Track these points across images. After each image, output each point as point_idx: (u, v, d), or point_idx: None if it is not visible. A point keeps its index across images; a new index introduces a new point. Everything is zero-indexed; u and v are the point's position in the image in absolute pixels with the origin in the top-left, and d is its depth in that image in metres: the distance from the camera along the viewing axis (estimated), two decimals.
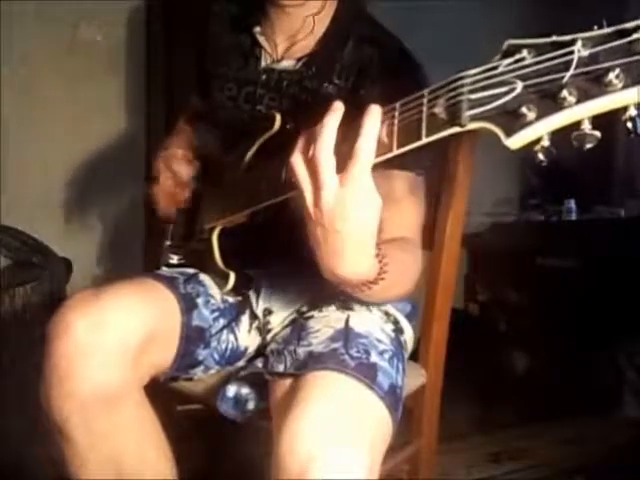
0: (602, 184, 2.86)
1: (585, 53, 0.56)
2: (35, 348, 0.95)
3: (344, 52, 1.08)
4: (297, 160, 0.76)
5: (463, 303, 2.75)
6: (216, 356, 1.10)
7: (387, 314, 1.06)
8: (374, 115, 0.72)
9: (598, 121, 0.58)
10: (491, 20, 2.50)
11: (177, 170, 1.20)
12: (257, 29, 1.15)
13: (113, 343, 0.93)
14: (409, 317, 1.13)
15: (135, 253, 2.16)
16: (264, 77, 1.14)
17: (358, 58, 1.07)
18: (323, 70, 1.09)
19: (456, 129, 0.65)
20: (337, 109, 0.74)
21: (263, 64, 1.15)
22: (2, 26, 1.99)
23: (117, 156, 2.20)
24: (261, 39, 1.15)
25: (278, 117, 1.01)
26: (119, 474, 0.96)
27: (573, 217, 2.76)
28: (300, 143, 0.77)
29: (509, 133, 0.60)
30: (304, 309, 1.09)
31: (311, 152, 0.74)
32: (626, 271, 2.35)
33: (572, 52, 0.57)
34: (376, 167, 0.73)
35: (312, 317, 1.04)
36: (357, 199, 0.72)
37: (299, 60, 1.12)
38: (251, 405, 1.00)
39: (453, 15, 2.50)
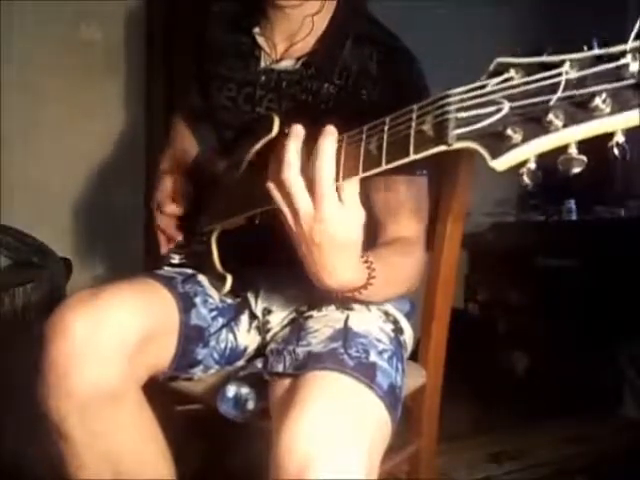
0: (602, 184, 2.85)
1: (573, 75, 0.56)
2: (35, 348, 0.95)
3: (343, 51, 1.07)
4: (271, 186, 0.81)
5: (463, 303, 2.75)
6: (215, 355, 1.10)
7: (387, 314, 1.06)
8: (329, 135, 0.75)
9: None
10: (490, 20, 2.50)
11: (168, 211, 1.19)
12: (256, 30, 1.15)
13: (111, 342, 0.93)
14: (408, 316, 1.13)
15: (135, 253, 2.16)
16: (263, 78, 1.14)
17: (358, 57, 1.06)
18: (323, 70, 1.08)
19: (443, 148, 0.65)
20: (297, 134, 0.79)
21: (262, 65, 1.15)
22: (2, 26, 1.99)
23: (117, 156, 2.20)
24: (260, 40, 1.15)
25: (277, 120, 1.01)
26: (117, 474, 0.96)
27: (573, 217, 2.76)
28: (272, 168, 0.81)
29: (495, 155, 0.60)
30: (303, 309, 1.09)
31: (280, 176, 0.78)
32: (626, 271, 2.35)
33: (560, 74, 0.56)
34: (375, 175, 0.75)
35: (311, 317, 1.04)
36: (330, 217, 0.76)
37: (298, 60, 1.11)
38: (251, 405, 1.00)
39: (451, 15, 2.50)
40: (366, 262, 0.85)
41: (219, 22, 1.22)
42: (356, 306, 1.03)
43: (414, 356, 1.23)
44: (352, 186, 0.77)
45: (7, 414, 1.50)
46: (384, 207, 1.04)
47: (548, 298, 2.46)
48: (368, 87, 1.05)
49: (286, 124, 0.99)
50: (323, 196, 0.75)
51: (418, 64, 1.07)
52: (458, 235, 1.24)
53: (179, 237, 1.20)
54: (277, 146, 0.84)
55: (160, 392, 1.07)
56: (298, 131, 0.79)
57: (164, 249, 1.22)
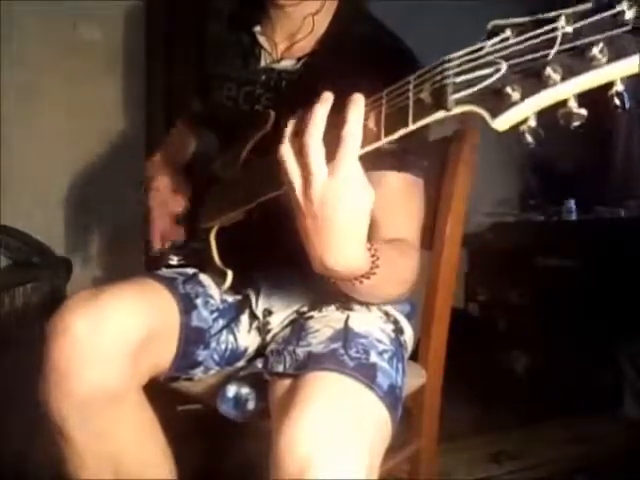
0: (602, 184, 2.85)
1: (569, 29, 0.55)
2: (35, 348, 0.95)
3: (344, 52, 1.07)
4: (286, 149, 0.75)
5: (463, 303, 2.75)
6: (216, 357, 1.10)
7: (387, 314, 1.06)
8: (358, 102, 0.72)
9: (596, 117, 0.57)
10: (490, 20, 2.50)
11: (171, 208, 1.21)
12: (257, 28, 1.15)
13: (112, 343, 0.93)
14: (408, 316, 1.13)
15: (135, 253, 2.16)
16: (264, 77, 1.14)
17: (359, 58, 1.06)
18: (324, 70, 1.08)
19: (442, 113, 0.64)
20: (326, 99, 0.75)
21: (263, 64, 1.15)
22: (2, 26, 1.99)
23: (117, 156, 2.20)
24: (261, 39, 1.15)
25: (272, 114, 1.01)
26: (118, 474, 0.96)
27: (573, 217, 2.76)
28: (289, 132, 0.76)
29: (495, 114, 0.59)
30: (304, 309, 1.09)
31: (300, 141, 0.73)
32: (626, 271, 2.35)
33: (556, 29, 0.56)
34: (374, 166, 0.73)
35: (312, 317, 1.04)
36: (346, 187, 0.72)
37: (299, 60, 1.11)
38: (251, 405, 1.00)
39: (451, 15, 2.50)
40: (370, 250, 0.81)
41: (220, 20, 1.22)
42: (356, 307, 1.03)
43: (414, 356, 1.23)
44: (357, 162, 0.73)
45: (8, 414, 1.50)
46: (380, 207, 1.02)
47: (548, 298, 2.46)
48: (369, 88, 1.04)
49: (285, 123, 0.99)
50: (342, 165, 0.71)
51: (420, 65, 1.06)
52: (458, 235, 1.24)
53: (177, 236, 1.20)
54: (273, 140, 0.83)
55: (161, 392, 1.07)
56: (327, 96, 0.75)
57: (157, 245, 1.22)
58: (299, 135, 0.74)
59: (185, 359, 1.05)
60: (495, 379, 2.31)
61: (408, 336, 1.12)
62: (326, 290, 0.95)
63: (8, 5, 1.99)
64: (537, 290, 2.53)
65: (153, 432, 1.00)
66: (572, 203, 2.76)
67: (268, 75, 1.14)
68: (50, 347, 0.92)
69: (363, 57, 1.05)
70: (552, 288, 2.47)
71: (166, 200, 1.21)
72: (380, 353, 0.93)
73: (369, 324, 1.00)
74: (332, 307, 1.04)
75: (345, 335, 0.95)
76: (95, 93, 2.18)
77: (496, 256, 2.61)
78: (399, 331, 1.07)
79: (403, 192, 1.01)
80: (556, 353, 2.35)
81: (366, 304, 1.04)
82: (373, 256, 0.81)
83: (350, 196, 0.72)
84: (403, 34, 1.10)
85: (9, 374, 1.51)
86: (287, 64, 1.13)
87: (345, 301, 1.04)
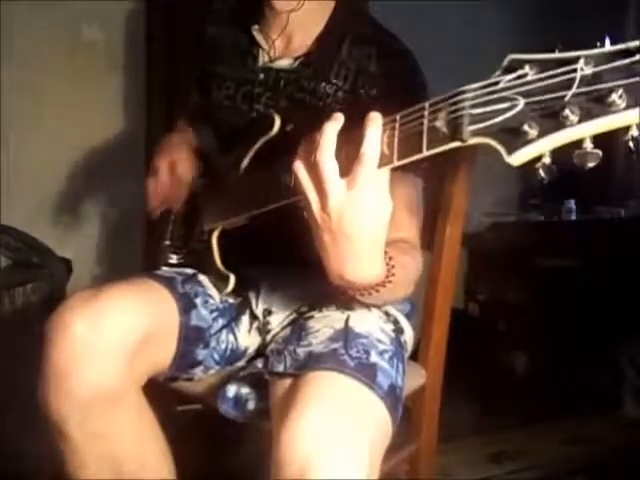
0: (602, 184, 2.86)
1: (588, 71, 0.56)
2: (35, 348, 0.95)
3: (341, 51, 1.07)
4: (300, 167, 0.77)
5: (463, 303, 2.75)
6: (216, 356, 1.10)
7: (387, 314, 1.06)
8: (376, 121, 0.73)
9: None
10: (489, 21, 2.51)
11: (181, 173, 1.19)
12: (255, 27, 1.15)
13: (111, 343, 0.93)
14: (408, 316, 1.13)
15: (135, 253, 2.16)
16: (262, 76, 1.14)
17: (356, 57, 1.06)
18: (320, 69, 1.08)
19: (457, 144, 0.65)
20: (337, 119, 0.76)
21: (261, 63, 1.15)
22: (2, 26, 1.99)
23: (117, 156, 2.20)
24: (259, 37, 1.15)
25: (277, 119, 1.01)
26: (118, 474, 0.96)
27: (573, 217, 2.76)
28: (301, 150, 0.78)
29: (510, 150, 0.60)
30: (304, 309, 1.09)
31: (313, 158, 0.75)
32: (626, 271, 2.35)
33: (575, 70, 0.57)
34: None
35: (312, 317, 1.04)
36: (365, 202, 0.74)
37: (297, 59, 1.11)
38: (251, 405, 1.00)
39: (451, 15, 2.50)
40: (386, 258, 0.82)
41: (218, 19, 1.22)
42: (357, 306, 1.03)
43: (414, 356, 1.23)
44: (376, 178, 0.75)
45: (8, 414, 1.50)
46: None
47: (548, 298, 2.46)
48: (366, 87, 1.05)
49: (285, 123, 0.99)
50: (360, 181, 0.72)
51: (416, 64, 1.07)
52: (458, 235, 1.24)
53: (177, 201, 1.18)
54: (278, 145, 0.83)
55: (160, 392, 1.07)
56: (338, 116, 0.77)
57: (155, 203, 1.20)
58: (312, 152, 0.75)
59: (185, 358, 1.05)
60: (495, 379, 2.31)
61: (408, 336, 1.12)
62: (326, 290, 0.95)
63: (8, 5, 1.99)
64: (537, 290, 2.53)
65: (153, 432, 1.00)
66: (572, 203, 2.76)
67: (266, 74, 1.14)
68: (49, 347, 0.92)
69: (360, 57, 1.06)
70: (552, 288, 2.47)
71: (175, 162, 1.18)
72: (380, 353, 0.93)
73: (369, 324, 1.00)
74: (332, 307, 1.04)
75: (345, 335, 0.95)
76: (96, 93, 2.18)
77: (496, 256, 2.61)
78: (399, 331, 1.06)
79: (403, 191, 1.01)
80: (556, 353, 2.35)
81: (370, 307, 1.04)
82: (388, 264, 0.82)
83: (368, 210, 0.74)
84: (402, 34, 1.10)
85: (9, 374, 1.50)
86: (284, 63, 1.13)
87: (352, 302, 1.04)
